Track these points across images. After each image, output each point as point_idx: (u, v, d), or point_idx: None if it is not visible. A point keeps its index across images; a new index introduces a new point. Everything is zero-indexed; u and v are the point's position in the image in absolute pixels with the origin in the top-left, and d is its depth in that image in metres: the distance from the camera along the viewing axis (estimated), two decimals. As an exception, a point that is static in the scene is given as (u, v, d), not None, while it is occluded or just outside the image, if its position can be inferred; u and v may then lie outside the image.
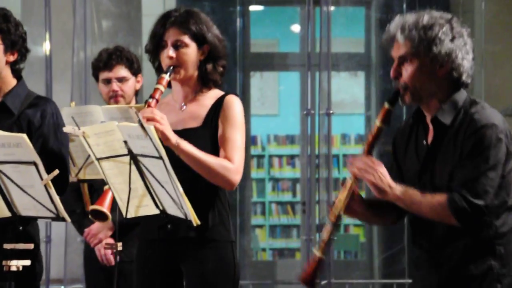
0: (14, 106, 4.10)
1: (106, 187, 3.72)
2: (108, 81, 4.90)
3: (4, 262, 3.71)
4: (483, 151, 3.19)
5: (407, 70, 3.30)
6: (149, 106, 3.73)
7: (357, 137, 10.89)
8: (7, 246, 3.72)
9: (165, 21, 3.90)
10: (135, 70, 4.91)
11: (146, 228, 3.91)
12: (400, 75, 3.32)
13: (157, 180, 3.56)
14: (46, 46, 7.06)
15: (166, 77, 3.83)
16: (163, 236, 3.75)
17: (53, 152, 4.01)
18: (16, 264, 3.71)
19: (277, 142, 11.11)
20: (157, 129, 3.59)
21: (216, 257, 3.82)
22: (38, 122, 4.06)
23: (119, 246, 4.42)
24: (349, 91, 9.93)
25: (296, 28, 10.07)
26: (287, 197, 11.14)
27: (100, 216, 3.73)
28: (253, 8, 9.65)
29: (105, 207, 3.70)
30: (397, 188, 3.26)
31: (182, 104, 3.94)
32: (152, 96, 3.77)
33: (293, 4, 9.49)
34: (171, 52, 3.86)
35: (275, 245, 11.07)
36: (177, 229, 3.73)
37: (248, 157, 3.80)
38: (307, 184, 7.68)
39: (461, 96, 3.32)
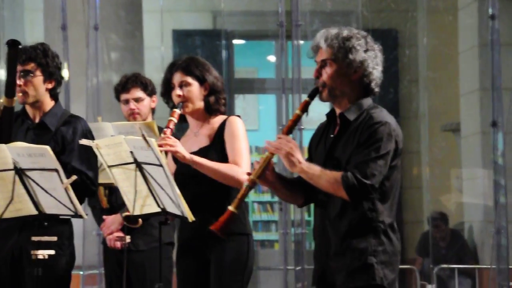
0: (52, 124, 4.12)
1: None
2: (126, 102, 4.88)
3: (32, 252, 3.72)
4: (375, 142, 3.21)
5: (327, 72, 3.32)
6: (164, 134, 3.81)
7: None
8: (34, 238, 3.73)
9: (171, 68, 4.00)
10: (150, 92, 4.90)
11: (183, 230, 3.96)
12: (321, 75, 3.34)
13: (158, 183, 3.57)
14: (65, 73, 7.05)
15: (177, 110, 3.91)
16: (195, 234, 3.84)
17: (80, 162, 4.04)
18: (42, 253, 3.72)
19: (257, 152, 11.07)
20: (172, 151, 3.74)
21: (232, 248, 3.85)
22: (70, 137, 4.08)
23: (128, 238, 4.43)
24: (316, 111, 9.93)
25: (272, 58, 10.09)
26: (266, 197, 11.12)
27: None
28: (236, 41, 9.67)
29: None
30: (304, 163, 3.26)
31: (196, 131, 4.01)
32: (167, 126, 3.85)
33: (269, 38, 9.50)
34: (178, 91, 3.95)
35: (257, 237, 11.03)
36: (204, 227, 3.72)
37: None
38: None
39: (367, 101, 3.34)
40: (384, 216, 3.26)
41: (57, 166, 3.58)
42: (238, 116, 4.03)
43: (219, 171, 3.83)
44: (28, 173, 3.61)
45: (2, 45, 8.46)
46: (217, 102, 4.00)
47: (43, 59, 4.12)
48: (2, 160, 3.60)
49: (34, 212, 3.68)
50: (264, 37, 9.67)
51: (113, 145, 3.61)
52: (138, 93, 4.87)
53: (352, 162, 3.22)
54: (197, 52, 9.08)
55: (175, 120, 3.89)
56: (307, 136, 7.39)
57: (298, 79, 7.07)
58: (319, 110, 11.16)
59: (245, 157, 3.91)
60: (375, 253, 3.23)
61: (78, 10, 7.26)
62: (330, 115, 3.42)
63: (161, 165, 3.51)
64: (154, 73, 6.96)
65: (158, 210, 3.65)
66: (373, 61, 3.33)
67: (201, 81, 3.97)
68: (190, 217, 3.55)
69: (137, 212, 3.69)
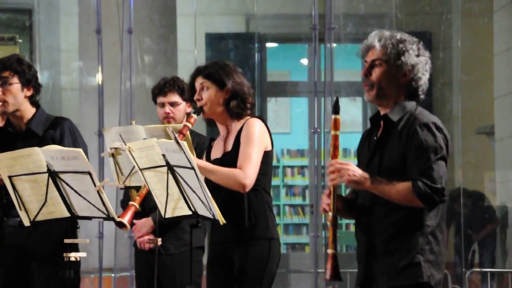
0: (37, 129, 4.22)
1: (130, 202, 3.77)
2: (162, 105, 4.87)
3: (64, 254, 3.76)
4: (431, 144, 3.21)
5: (376, 72, 3.32)
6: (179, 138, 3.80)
7: (356, 151, 10.87)
8: (67, 240, 3.76)
9: (194, 73, 4.01)
10: (187, 97, 4.92)
11: (213, 236, 3.97)
12: (370, 75, 3.33)
13: (189, 186, 3.57)
14: (99, 77, 7.09)
15: (194, 115, 3.91)
16: (222, 239, 3.87)
17: None
18: (74, 255, 3.76)
19: (289, 155, 11.09)
20: None
21: (251, 252, 3.82)
22: (58, 138, 4.17)
23: (159, 241, 4.44)
24: (349, 113, 9.92)
25: (304, 61, 10.08)
26: (298, 200, 11.11)
27: (123, 225, 3.76)
28: (269, 45, 9.67)
29: (125, 219, 3.74)
30: (369, 179, 3.25)
31: (223, 135, 4.00)
32: (180, 132, 3.83)
33: (302, 41, 9.49)
34: (197, 94, 3.95)
35: (288, 240, 11.04)
36: (227, 233, 3.78)
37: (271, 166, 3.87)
38: (315, 190, 7.66)
39: (410, 103, 3.34)
40: (431, 216, 3.25)
41: (90, 169, 3.60)
42: (259, 117, 3.97)
43: (220, 175, 3.79)
44: (62, 175, 3.63)
45: (39, 49, 8.54)
46: (238, 107, 3.93)
47: (18, 66, 4.21)
48: (36, 163, 3.63)
49: (66, 214, 3.70)
50: (297, 40, 9.67)
51: (146, 148, 3.63)
52: (175, 97, 4.87)
53: (415, 169, 3.22)
54: (229, 55, 9.10)
55: (189, 125, 3.88)
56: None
57: (331, 82, 7.05)
58: (352, 113, 11.09)
59: (252, 162, 3.81)
60: (422, 252, 3.23)
61: (113, 14, 7.29)
62: (374, 119, 3.42)
63: (192, 168, 3.51)
64: (187, 77, 6.93)
65: (190, 213, 3.64)
66: (423, 67, 3.34)
67: (221, 85, 3.94)
68: (222, 220, 3.54)
69: (168, 215, 3.69)
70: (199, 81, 3.97)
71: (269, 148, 3.92)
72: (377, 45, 3.32)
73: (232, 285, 3.89)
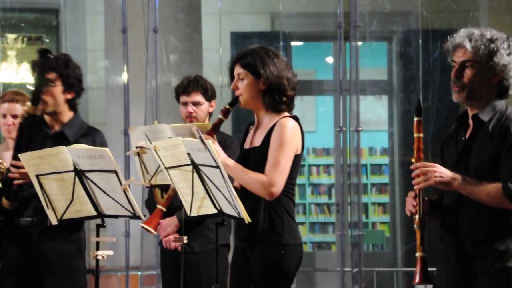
0: (70, 135, 4.23)
1: (158, 206, 3.76)
2: (185, 104, 4.90)
3: (92, 252, 3.78)
4: None
5: (467, 74, 3.27)
6: (210, 134, 3.79)
7: (382, 150, 10.83)
8: (93, 239, 3.78)
9: (234, 59, 3.91)
10: (209, 97, 4.90)
11: (237, 233, 3.93)
12: (461, 77, 3.28)
13: (215, 185, 3.57)
14: (124, 76, 7.13)
15: (228, 106, 3.85)
16: (240, 236, 3.85)
17: None
18: (101, 254, 3.78)
19: (315, 154, 11.07)
20: None
21: (263, 257, 3.77)
22: None
23: (185, 239, 4.46)
24: (375, 112, 9.89)
25: (330, 59, 10.06)
26: (324, 199, 11.09)
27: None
28: (294, 43, 9.66)
29: (151, 226, 3.74)
30: (458, 179, 3.21)
31: (256, 127, 3.91)
32: (213, 126, 3.83)
33: (327, 40, 9.47)
34: (233, 84, 3.87)
35: (314, 239, 11.02)
36: (244, 231, 3.78)
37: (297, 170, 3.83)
38: (341, 188, 7.65)
39: (501, 103, 3.30)
40: None
41: (116, 167, 3.63)
42: (294, 117, 3.88)
43: (246, 180, 3.74)
44: (88, 174, 3.66)
45: (65, 48, 8.61)
46: (274, 100, 3.82)
47: (64, 69, 4.20)
48: (62, 162, 3.67)
49: (93, 213, 3.74)
50: (322, 38, 9.64)
51: (171, 147, 3.64)
52: (198, 97, 4.88)
53: (506, 170, 3.18)
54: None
55: (223, 118, 3.82)
56: (364, 138, 7.40)
57: (356, 81, 7.04)
58: (377, 111, 11.03)
59: (281, 170, 3.72)
60: None
61: (138, 13, 7.32)
62: (461, 118, 3.39)
63: (217, 167, 3.52)
64: (212, 76, 6.99)
65: (215, 211, 3.65)
66: None
67: (257, 76, 3.82)
68: (247, 219, 3.54)
69: (194, 213, 3.70)
70: (237, 70, 3.86)
71: (299, 152, 3.82)
72: (468, 45, 3.26)
73: (248, 280, 3.84)
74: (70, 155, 3.65)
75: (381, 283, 8.11)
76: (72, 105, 4.28)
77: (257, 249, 3.78)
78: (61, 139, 4.19)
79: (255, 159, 3.80)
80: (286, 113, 3.87)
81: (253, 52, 3.85)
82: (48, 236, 4.14)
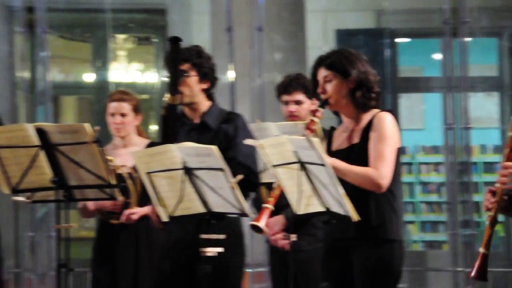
0: (212, 122, 4.26)
1: (264, 205, 3.76)
2: (286, 103, 4.89)
3: (201, 249, 3.81)
4: None
5: None
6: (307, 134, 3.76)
7: (494, 147, 10.61)
8: (203, 236, 3.81)
9: (316, 64, 3.91)
10: (311, 95, 4.91)
11: (330, 231, 3.90)
12: None
13: (321, 183, 3.57)
14: (230, 74, 7.21)
15: (321, 109, 3.83)
16: (341, 235, 3.80)
17: (245, 157, 4.13)
18: (211, 251, 3.81)
19: (424, 152, 10.93)
20: None
21: (374, 255, 3.74)
22: (232, 134, 4.20)
23: (293, 237, 4.46)
24: (485, 109, 9.70)
25: (437, 56, 9.90)
26: (433, 197, 10.94)
27: (258, 229, 3.75)
28: (401, 40, 9.56)
29: (261, 224, 3.72)
30: None
31: (347, 127, 3.90)
32: (307, 127, 3.80)
33: (435, 36, 9.32)
34: (320, 88, 3.86)
35: (425, 238, 10.89)
36: (349, 230, 3.74)
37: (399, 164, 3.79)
38: (451, 187, 7.54)
39: None
40: None
41: (224, 165, 3.67)
42: (390, 111, 3.86)
43: (355, 176, 3.70)
44: (196, 172, 3.71)
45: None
46: (364, 97, 3.81)
47: (198, 59, 4.25)
48: (171, 160, 3.73)
49: (202, 210, 3.77)
50: (429, 35, 9.52)
51: (277, 144, 3.65)
52: (299, 96, 4.87)
53: None
54: (360, 51, 9.05)
55: (316, 119, 3.80)
56: (475, 135, 7.27)
57: (465, 77, 6.93)
58: (488, 109, 10.81)
59: (387, 161, 3.71)
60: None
61: (243, 12, 7.40)
62: None
63: (323, 165, 3.52)
64: (318, 74, 6.98)
65: (322, 209, 3.65)
66: None
67: (345, 75, 3.83)
68: (354, 217, 3.53)
69: (301, 211, 3.70)
70: (322, 73, 3.86)
71: (399, 145, 3.82)
72: None
73: (345, 282, 3.82)
74: (179, 153, 3.71)
75: (495, 284, 7.94)
76: (208, 94, 4.33)
77: (366, 246, 3.75)
78: (204, 129, 4.26)
79: (355, 156, 3.79)
80: (375, 109, 3.86)
81: (336, 53, 3.89)
82: (206, 226, 4.11)
